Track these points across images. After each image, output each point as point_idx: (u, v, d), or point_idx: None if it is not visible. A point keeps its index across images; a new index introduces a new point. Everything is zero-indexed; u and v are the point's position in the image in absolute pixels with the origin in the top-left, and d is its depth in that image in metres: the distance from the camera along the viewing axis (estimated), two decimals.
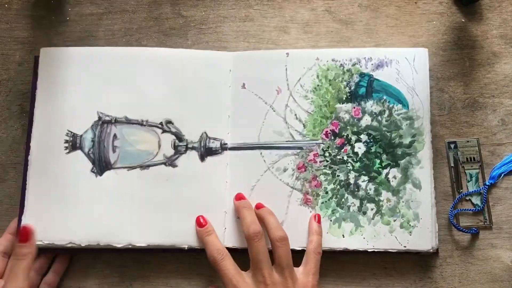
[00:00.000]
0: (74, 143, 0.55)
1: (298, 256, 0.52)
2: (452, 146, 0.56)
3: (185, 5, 0.61)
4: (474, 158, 0.56)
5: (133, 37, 0.60)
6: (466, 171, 0.56)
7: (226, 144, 0.55)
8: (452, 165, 0.56)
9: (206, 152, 0.55)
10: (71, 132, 0.55)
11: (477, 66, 0.58)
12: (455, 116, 0.57)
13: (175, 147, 0.55)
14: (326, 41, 0.59)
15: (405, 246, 0.52)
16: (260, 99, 0.56)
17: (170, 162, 0.55)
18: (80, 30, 0.60)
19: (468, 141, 0.56)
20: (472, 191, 0.55)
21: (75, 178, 0.55)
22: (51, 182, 0.54)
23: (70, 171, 0.55)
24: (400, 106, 0.55)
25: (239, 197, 0.54)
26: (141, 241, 0.53)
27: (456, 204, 0.55)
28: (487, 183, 0.55)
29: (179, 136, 0.56)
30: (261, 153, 0.55)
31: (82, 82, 0.56)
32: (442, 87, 0.58)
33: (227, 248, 0.52)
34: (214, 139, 0.56)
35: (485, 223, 0.55)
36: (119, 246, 0.53)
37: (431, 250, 0.52)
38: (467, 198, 0.56)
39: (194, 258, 0.56)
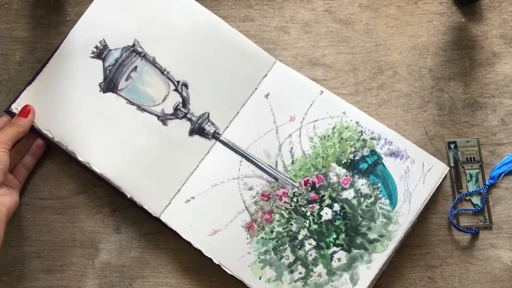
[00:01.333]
0: (101, 53, 0.57)
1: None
2: (452, 146, 0.56)
3: None
4: (474, 158, 0.56)
5: None
6: (466, 171, 0.56)
7: (220, 135, 0.56)
8: (452, 165, 0.56)
9: (198, 129, 0.56)
10: (104, 42, 0.57)
11: (477, 66, 0.58)
12: (455, 116, 0.57)
13: (175, 109, 0.56)
14: (326, 41, 0.59)
15: None
16: (272, 115, 0.55)
17: (163, 118, 0.56)
18: None
19: (468, 141, 0.56)
20: (472, 191, 0.55)
21: (83, 83, 0.56)
22: (63, 73, 0.56)
23: (82, 75, 0.56)
24: (387, 202, 0.53)
25: None
26: (97, 166, 0.54)
27: (456, 204, 0.55)
28: (487, 183, 0.55)
29: (185, 102, 0.56)
30: (240, 161, 0.55)
31: (140, 7, 0.57)
32: (442, 87, 0.58)
33: (161, 222, 0.53)
34: (212, 124, 0.56)
35: (485, 223, 0.55)
36: (80, 159, 0.54)
37: None
38: (467, 198, 0.56)
39: (194, 258, 0.56)
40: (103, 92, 0.56)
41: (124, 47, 0.57)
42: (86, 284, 0.55)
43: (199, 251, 0.53)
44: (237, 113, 0.56)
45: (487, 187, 0.55)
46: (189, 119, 0.56)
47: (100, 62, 0.57)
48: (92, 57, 0.57)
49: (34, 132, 0.56)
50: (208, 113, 0.56)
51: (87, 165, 0.54)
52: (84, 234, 0.56)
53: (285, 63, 0.57)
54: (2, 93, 0.59)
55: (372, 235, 0.52)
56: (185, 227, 0.53)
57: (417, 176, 0.53)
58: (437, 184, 0.53)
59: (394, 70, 0.58)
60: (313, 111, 0.55)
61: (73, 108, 0.56)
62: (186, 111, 0.56)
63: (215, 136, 0.55)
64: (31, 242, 0.56)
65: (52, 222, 0.56)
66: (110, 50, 0.57)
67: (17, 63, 0.60)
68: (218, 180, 0.54)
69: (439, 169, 0.53)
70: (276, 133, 0.55)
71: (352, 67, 0.59)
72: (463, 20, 0.59)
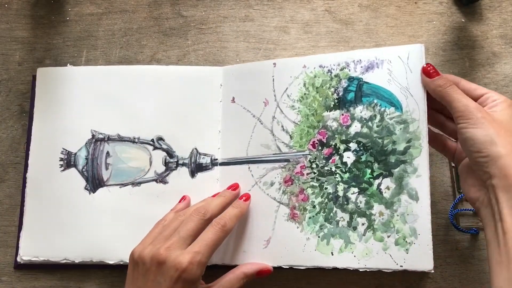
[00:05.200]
0: (68, 161, 0.56)
1: (288, 272, 0.52)
2: None
3: (185, 5, 0.61)
4: None
5: (133, 37, 0.60)
6: None
7: (217, 159, 0.55)
8: (453, 165, 0.56)
9: (196, 168, 0.55)
10: (66, 150, 0.56)
11: (477, 66, 0.58)
12: None
13: (166, 163, 0.56)
14: (326, 41, 0.59)
15: (401, 266, 0.47)
16: (249, 112, 0.55)
17: (161, 178, 0.55)
18: (80, 30, 0.60)
19: None
20: None
21: (69, 196, 0.55)
22: (47, 199, 0.55)
23: (64, 189, 0.55)
24: (392, 109, 0.50)
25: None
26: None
27: (456, 204, 0.55)
28: None
29: (170, 153, 0.56)
30: (249, 168, 0.54)
31: (77, 101, 0.57)
32: None
33: (214, 265, 0.52)
34: (205, 154, 0.55)
35: None
36: (111, 262, 0.53)
37: (432, 270, 0.47)
38: None
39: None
40: (93, 193, 0.55)
41: (86, 143, 0.56)
42: (86, 284, 0.55)
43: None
44: (219, 131, 0.56)
45: None
46: (183, 164, 0.55)
47: (73, 169, 0.56)
48: (63, 170, 0.56)
49: (51, 267, 0.55)
50: (196, 148, 0.56)
51: (122, 263, 0.53)
52: None
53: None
54: (2, 93, 0.59)
55: (400, 146, 0.49)
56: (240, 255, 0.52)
57: (402, 70, 0.50)
58: (424, 64, 0.49)
59: None
60: (278, 83, 0.54)
61: (75, 224, 0.54)
62: (176, 160, 0.56)
63: (214, 163, 0.55)
64: None
65: None
66: (75, 153, 0.56)
67: (17, 63, 0.60)
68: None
69: (417, 51, 0.50)
70: (261, 124, 0.54)
71: None
72: (463, 20, 0.59)
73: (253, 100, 0.55)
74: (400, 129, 0.49)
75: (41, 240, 0.54)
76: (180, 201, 0.54)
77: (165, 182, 0.55)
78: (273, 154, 0.53)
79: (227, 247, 0.53)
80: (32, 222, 0.55)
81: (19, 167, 0.58)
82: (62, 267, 0.55)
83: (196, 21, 0.60)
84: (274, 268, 0.51)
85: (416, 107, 0.49)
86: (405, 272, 0.47)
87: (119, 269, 0.55)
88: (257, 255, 0.51)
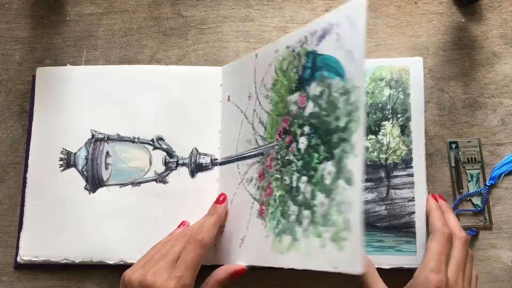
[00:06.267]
0: (68, 161, 0.56)
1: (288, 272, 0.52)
2: (453, 146, 0.56)
3: (185, 5, 0.61)
4: (475, 158, 0.56)
5: (133, 37, 0.60)
6: (467, 171, 0.56)
7: (217, 159, 0.55)
8: (453, 165, 0.56)
9: (196, 168, 0.55)
10: (66, 150, 0.56)
11: (477, 66, 0.58)
12: (455, 116, 0.57)
13: (165, 163, 0.56)
14: None
15: (336, 267, 0.39)
16: (238, 109, 0.54)
17: (161, 178, 0.55)
18: (80, 30, 0.60)
19: (469, 141, 0.56)
20: (473, 192, 0.55)
21: (69, 196, 0.55)
22: (47, 199, 0.55)
23: (64, 189, 0.55)
24: (338, 79, 0.42)
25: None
26: (132, 258, 0.52)
27: (456, 205, 0.55)
28: (488, 184, 0.55)
29: (169, 153, 0.56)
30: (237, 165, 0.53)
31: (77, 100, 0.57)
32: (442, 87, 0.58)
33: (215, 265, 0.51)
34: (205, 154, 0.56)
35: (485, 224, 0.55)
36: (111, 262, 0.53)
37: (361, 273, 0.39)
38: (468, 198, 0.56)
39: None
40: (93, 193, 0.55)
41: (86, 143, 0.56)
42: (86, 284, 0.55)
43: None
44: (219, 131, 0.56)
45: (487, 187, 0.55)
46: (183, 164, 0.55)
47: (73, 169, 0.56)
48: (63, 170, 0.56)
49: (51, 267, 0.55)
50: (196, 148, 0.56)
51: (122, 263, 0.53)
52: None
53: None
54: (2, 93, 0.59)
55: (342, 121, 0.41)
56: (223, 254, 0.52)
57: (347, 30, 0.41)
58: (365, 20, 0.40)
59: None
60: (258, 74, 0.52)
61: (75, 224, 0.54)
62: (176, 160, 0.56)
63: (214, 163, 0.55)
64: None
65: None
66: (75, 153, 0.56)
67: (17, 63, 0.60)
68: (232, 196, 0.53)
69: (359, 8, 0.40)
70: (246, 119, 0.53)
71: None
72: (463, 20, 0.59)
73: (241, 96, 0.54)
74: (343, 101, 0.42)
75: (41, 240, 0.54)
76: (179, 226, 0.53)
77: (165, 182, 0.55)
78: (253, 148, 0.52)
79: (229, 248, 0.52)
80: (32, 222, 0.55)
81: (19, 167, 0.58)
82: (62, 267, 0.55)
83: (196, 21, 0.60)
84: (274, 268, 0.51)
85: (357, 71, 0.41)
86: (405, 271, 0.47)
87: (119, 269, 0.55)
88: (234, 255, 0.51)
